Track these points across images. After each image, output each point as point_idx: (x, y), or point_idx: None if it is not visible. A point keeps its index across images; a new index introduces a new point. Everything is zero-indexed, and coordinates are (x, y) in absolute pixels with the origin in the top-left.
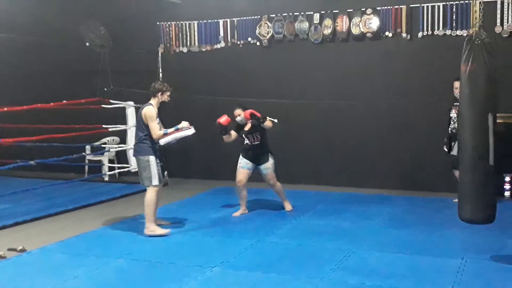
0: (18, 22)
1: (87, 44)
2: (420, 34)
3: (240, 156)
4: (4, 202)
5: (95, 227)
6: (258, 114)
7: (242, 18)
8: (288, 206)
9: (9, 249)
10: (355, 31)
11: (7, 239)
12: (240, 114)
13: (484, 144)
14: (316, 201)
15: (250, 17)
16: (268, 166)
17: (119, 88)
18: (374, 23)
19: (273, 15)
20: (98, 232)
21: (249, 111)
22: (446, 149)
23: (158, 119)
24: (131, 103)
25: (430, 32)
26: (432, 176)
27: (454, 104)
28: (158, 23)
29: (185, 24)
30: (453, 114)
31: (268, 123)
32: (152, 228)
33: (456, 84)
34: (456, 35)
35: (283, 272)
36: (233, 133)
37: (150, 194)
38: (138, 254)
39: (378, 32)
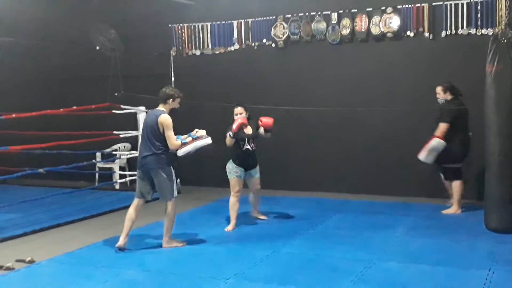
0: (26, 26)
1: (98, 48)
2: (443, 34)
3: (232, 164)
4: (12, 211)
5: (105, 237)
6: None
7: (256, 19)
8: (261, 216)
9: (17, 260)
10: (374, 31)
11: (16, 250)
12: (242, 113)
13: None
14: (334, 209)
15: (265, 18)
16: (258, 170)
17: (130, 93)
18: (394, 22)
19: (289, 15)
20: (108, 242)
21: (239, 123)
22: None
23: None
24: (143, 108)
25: (454, 31)
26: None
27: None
28: (170, 25)
29: (198, 26)
30: None
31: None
32: (174, 243)
33: (436, 89)
34: (481, 34)
35: (301, 284)
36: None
37: (173, 207)
38: (150, 265)
39: (399, 31)
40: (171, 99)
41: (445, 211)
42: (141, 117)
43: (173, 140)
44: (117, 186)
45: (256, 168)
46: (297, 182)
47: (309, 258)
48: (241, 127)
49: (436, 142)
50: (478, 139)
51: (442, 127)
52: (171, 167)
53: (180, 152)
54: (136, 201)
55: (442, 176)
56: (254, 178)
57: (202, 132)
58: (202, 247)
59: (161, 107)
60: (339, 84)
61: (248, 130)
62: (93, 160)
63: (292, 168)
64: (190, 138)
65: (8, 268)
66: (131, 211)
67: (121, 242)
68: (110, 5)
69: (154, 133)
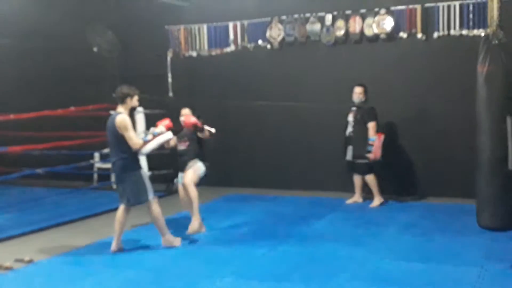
0: (23, 27)
1: (95, 49)
2: (436, 35)
3: (201, 163)
4: (11, 211)
5: (104, 236)
6: (199, 125)
7: (252, 20)
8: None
9: (16, 260)
10: (368, 32)
11: (14, 250)
12: (182, 115)
13: (503, 148)
14: (328, 208)
15: (260, 19)
16: (186, 174)
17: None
18: (388, 23)
19: (284, 17)
20: (107, 241)
21: (192, 122)
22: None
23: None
24: (140, 109)
25: (446, 32)
26: (449, 182)
27: (352, 108)
28: (166, 26)
29: (194, 27)
30: (350, 118)
31: (204, 134)
32: (170, 240)
33: (357, 89)
34: (473, 35)
35: (296, 282)
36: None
37: (155, 207)
38: (148, 264)
39: (392, 33)
40: (129, 98)
41: (372, 205)
42: (139, 118)
43: (134, 140)
44: (115, 186)
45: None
46: (292, 181)
47: (305, 256)
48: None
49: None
50: (468, 138)
51: (373, 125)
52: (141, 169)
53: (144, 151)
54: (121, 206)
55: (353, 172)
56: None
57: (161, 127)
58: (200, 245)
59: (120, 109)
60: (333, 85)
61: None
62: (91, 161)
63: (287, 167)
64: (151, 136)
65: (7, 268)
66: (119, 214)
67: (114, 246)
68: (107, 6)
69: (115, 137)
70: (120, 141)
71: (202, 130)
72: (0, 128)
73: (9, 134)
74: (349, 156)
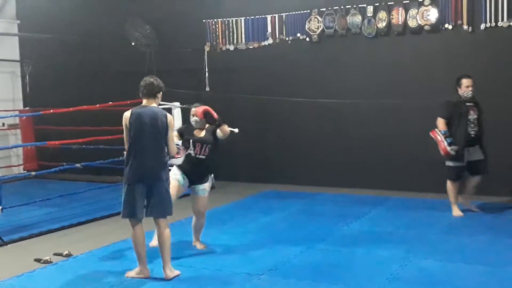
0: (62, 23)
1: (133, 43)
2: (482, 26)
3: (175, 167)
4: (50, 206)
5: None
6: (215, 115)
7: (290, 13)
8: (200, 245)
9: (55, 254)
10: (412, 24)
11: (53, 244)
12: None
13: None
14: (370, 206)
15: (299, 12)
16: (205, 188)
17: (165, 87)
18: (432, 14)
19: (324, 9)
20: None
21: (203, 107)
22: (452, 153)
23: None
24: (177, 103)
25: (493, 24)
26: (496, 179)
27: (467, 104)
28: (204, 20)
29: (232, 20)
30: (472, 115)
31: (224, 129)
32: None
33: (469, 81)
34: None
35: (335, 282)
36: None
37: (168, 227)
38: (184, 261)
39: (437, 24)
40: (161, 92)
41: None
42: (176, 113)
43: (173, 144)
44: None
45: (203, 184)
46: (332, 178)
47: (344, 255)
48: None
49: None
50: None
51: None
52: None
53: (176, 161)
54: (139, 225)
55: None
56: (197, 197)
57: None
58: (236, 242)
59: (152, 103)
60: (375, 78)
61: (199, 133)
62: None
63: (328, 163)
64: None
65: (46, 262)
66: (140, 236)
67: (147, 273)
68: (145, 1)
69: (160, 136)
70: (164, 142)
71: (217, 122)
72: (40, 123)
73: (49, 129)
74: (476, 156)
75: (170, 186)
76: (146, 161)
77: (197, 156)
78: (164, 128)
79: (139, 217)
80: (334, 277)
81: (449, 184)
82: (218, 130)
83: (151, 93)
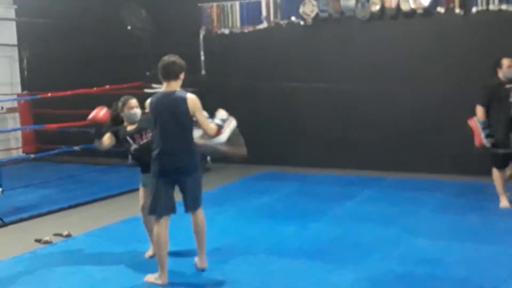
0: (59, 7)
1: (129, 27)
2: (474, 9)
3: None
4: (49, 187)
5: (139, 212)
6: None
7: None
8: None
9: (55, 234)
10: (404, 7)
11: (53, 225)
12: (137, 107)
13: None
14: (363, 186)
15: None
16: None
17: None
18: None
19: None
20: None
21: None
22: (487, 146)
23: None
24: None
25: (485, 7)
26: (486, 160)
27: (507, 86)
28: (199, 4)
29: (227, 4)
30: None
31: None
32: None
33: (509, 62)
34: None
35: (329, 260)
36: (107, 138)
37: (203, 215)
38: (181, 241)
39: (430, 8)
40: (183, 73)
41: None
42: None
43: (210, 124)
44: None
45: None
46: (325, 159)
47: (338, 234)
48: (98, 127)
49: None
50: None
51: None
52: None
53: (222, 139)
54: (164, 221)
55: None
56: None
57: (223, 113)
58: (232, 222)
59: (174, 86)
60: (368, 62)
61: (133, 126)
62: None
63: (322, 145)
64: (219, 120)
65: (46, 242)
66: (165, 234)
67: (166, 279)
68: None
69: (183, 122)
70: (190, 127)
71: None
72: (38, 106)
73: (47, 112)
74: None
75: (140, 194)
76: (170, 154)
77: (141, 144)
78: (184, 114)
79: (166, 214)
80: (328, 256)
81: (495, 172)
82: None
83: (172, 74)
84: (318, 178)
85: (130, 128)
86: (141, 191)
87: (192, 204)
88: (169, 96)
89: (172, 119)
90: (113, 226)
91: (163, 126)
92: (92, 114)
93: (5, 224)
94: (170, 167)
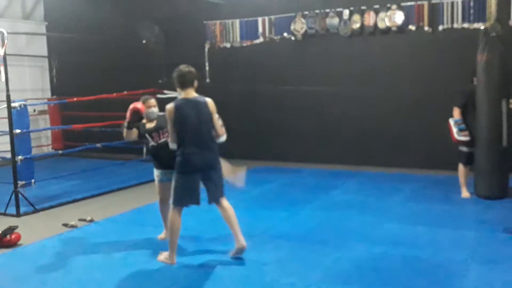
0: (83, 23)
1: (144, 41)
2: (441, 27)
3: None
4: (75, 179)
5: (152, 201)
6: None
7: (278, 15)
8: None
9: (80, 220)
10: (381, 25)
11: (78, 211)
12: (156, 106)
13: (498, 127)
14: (344, 178)
15: (285, 15)
16: None
17: (171, 79)
18: (398, 17)
19: (307, 12)
20: (155, 205)
21: (131, 109)
22: (460, 140)
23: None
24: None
25: (450, 26)
26: (450, 156)
27: None
28: (204, 22)
29: (228, 22)
30: None
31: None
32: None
33: None
34: (474, 28)
35: (315, 242)
36: (135, 131)
37: (228, 202)
38: (187, 225)
39: (403, 26)
40: (196, 80)
41: None
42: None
43: (218, 124)
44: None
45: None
46: (314, 155)
47: (322, 219)
48: (135, 114)
49: None
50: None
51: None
52: None
53: (224, 138)
54: (179, 209)
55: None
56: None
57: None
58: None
59: (191, 92)
60: (350, 72)
61: (151, 124)
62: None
63: (310, 143)
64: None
65: (72, 226)
66: (178, 221)
67: (174, 259)
68: (154, 5)
69: (209, 123)
70: (211, 127)
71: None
72: (65, 109)
73: (73, 114)
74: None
75: (157, 189)
76: (199, 152)
77: (159, 142)
78: (207, 116)
79: (191, 205)
80: (314, 238)
81: (460, 167)
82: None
83: (189, 82)
84: (306, 172)
85: (148, 125)
86: (160, 186)
87: (217, 193)
88: (192, 101)
89: (198, 121)
90: (130, 212)
91: (191, 128)
92: (134, 104)
93: (37, 211)
94: (200, 164)
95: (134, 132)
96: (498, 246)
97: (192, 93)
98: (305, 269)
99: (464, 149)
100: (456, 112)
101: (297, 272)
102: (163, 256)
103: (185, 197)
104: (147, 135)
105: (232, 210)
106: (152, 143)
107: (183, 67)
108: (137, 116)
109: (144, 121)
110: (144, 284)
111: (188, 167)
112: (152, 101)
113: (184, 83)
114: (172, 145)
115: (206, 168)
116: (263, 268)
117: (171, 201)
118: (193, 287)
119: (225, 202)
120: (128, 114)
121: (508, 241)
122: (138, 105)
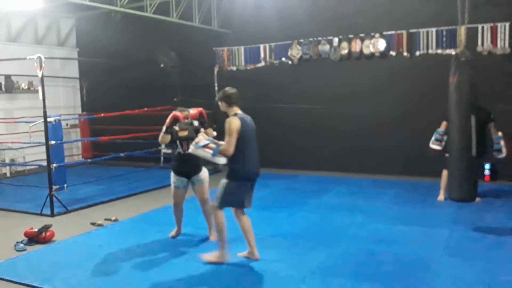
0: (110, 49)
1: (162, 65)
2: (417, 53)
3: (172, 173)
4: (101, 184)
5: (168, 203)
6: (206, 118)
7: (277, 43)
8: (212, 236)
9: (105, 219)
10: (366, 51)
11: (104, 212)
12: (188, 118)
13: (468, 139)
14: (335, 184)
15: (283, 42)
16: (202, 178)
17: (185, 98)
18: (381, 44)
19: (302, 40)
20: (170, 207)
21: (199, 109)
22: (434, 148)
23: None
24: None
25: (425, 51)
26: (427, 164)
27: None
28: (214, 48)
29: (234, 48)
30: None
31: (210, 132)
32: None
33: None
34: (446, 53)
35: (310, 239)
36: (169, 136)
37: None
38: (200, 224)
39: (385, 51)
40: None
41: None
42: None
43: None
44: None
45: (199, 175)
46: (308, 163)
47: (316, 220)
48: (174, 121)
49: None
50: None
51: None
52: None
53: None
54: (244, 213)
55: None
56: (195, 187)
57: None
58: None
59: (239, 109)
60: (339, 91)
61: (183, 133)
62: (159, 147)
63: (305, 153)
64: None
65: (99, 225)
66: (249, 223)
67: (225, 257)
68: (171, 34)
69: (256, 138)
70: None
71: (206, 124)
72: (94, 123)
73: (100, 128)
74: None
75: (172, 194)
76: (256, 162)
77: (186, 152)
78: (255, 131)
79: (243, 207)
80: (309, 236)
81: (444, 172)
82: (203, 132)
83: (237, 100)
84: (301, 178)
85: (181, 134)
86: (175, 192)
87: (251, 201)
88: (247, 117)
89: (253, 135)
90: (149, 213)
91: (250, 140)
92: (174, 112)
93: (68, 211)
94: (255, 173)
95: (168, 137)
96: (469, 243)
97: (239, 110)
98: (301, 263)
99: (447, 155)
100: (443, 125)
101: (294, 266)
102: (214, 256)
103: (234, 201)
104: (178, 142)
105: (250, 221)
106: (179, 150)
107: (229, 88)
108: (175, 123)
109: (177, 128)
110: (157, 270)
111: (246, 176)
112: (185, 113)
113: (237, 101)
114: (224, 158)
115: (257, 176)
116: (264, 263)
117: (217, 204)
118: (195, 280)
119: (245, 214)
120: (168, 120)
121: (478, 239)
122: (178, 113)
